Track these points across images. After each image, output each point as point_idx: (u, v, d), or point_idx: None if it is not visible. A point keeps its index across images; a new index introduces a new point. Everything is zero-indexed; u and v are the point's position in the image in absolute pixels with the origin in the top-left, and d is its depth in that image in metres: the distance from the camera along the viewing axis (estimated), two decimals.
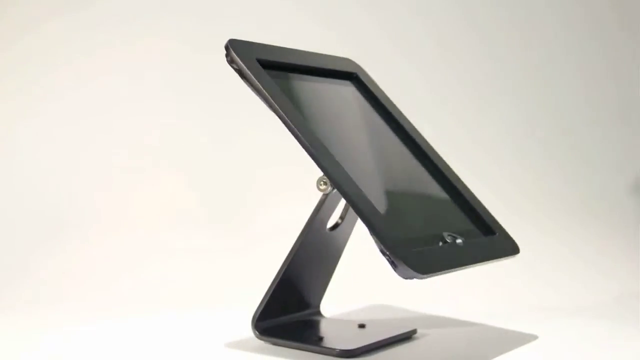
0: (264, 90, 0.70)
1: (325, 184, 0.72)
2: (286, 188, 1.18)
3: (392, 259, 0.64)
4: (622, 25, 1.45)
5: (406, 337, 0.78)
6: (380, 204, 0.70)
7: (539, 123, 1.40)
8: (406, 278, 0.65)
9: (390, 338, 0.75)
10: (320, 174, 0.70)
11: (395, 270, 0.65)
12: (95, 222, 1.13)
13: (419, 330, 0.79)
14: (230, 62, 0.71)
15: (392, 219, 0.71)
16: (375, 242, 0.66)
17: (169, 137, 1.24)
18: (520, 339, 0.78)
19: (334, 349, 0.71)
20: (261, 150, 1.24)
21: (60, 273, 1.02)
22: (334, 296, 0.84)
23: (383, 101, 0.85)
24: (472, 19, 1.41)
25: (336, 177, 0.68)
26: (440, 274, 0.68)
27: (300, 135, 0.69)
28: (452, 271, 0.70)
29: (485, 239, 0.79)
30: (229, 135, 1.25)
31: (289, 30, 1.29)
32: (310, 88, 0.78)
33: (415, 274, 0.64)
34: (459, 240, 0.73)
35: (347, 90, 0.84)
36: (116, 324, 0.85)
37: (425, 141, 0.84)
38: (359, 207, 0.67)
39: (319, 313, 0.83)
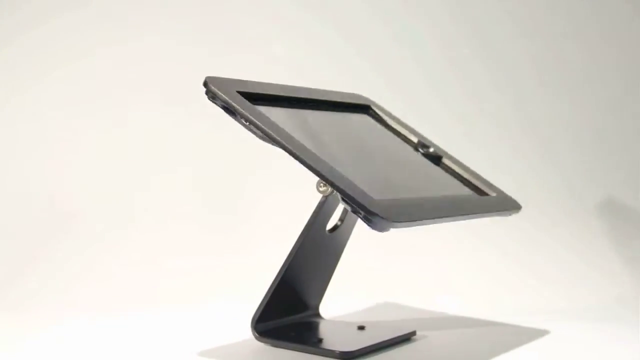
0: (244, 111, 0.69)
1: (324, 185, 0.72)
2: (286, 189, 1.18)
3: (364, 213, 0.64)
4: (628, 23, 1.44)
5: (405, 338, 0.78)
6: (358, 179, 0.69)
7: (540, 122, 1.40)
8: (383, 230, 0.65)
9: (389, 340, 0.76)
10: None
11: (370, 225, 0.64)
12: (93, 221, 1.13)
13: (418, 332, 0.79)
14: (213, 98, 0.71)
15: (370, 186, 0.69)
16: (348, 204, 0.65)
17: (168, 136, 1.24)
18: (521, 340, 0.78)
19: (334, 351, 0.71)
20: (261, 151, 1.24)
21: (59, 272, 1.02)
22: (333, 298, 0.84)
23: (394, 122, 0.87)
24: (474, 18, 1.41)
25: (306, 157, 0.67)
26: (418, 224, 0.67)
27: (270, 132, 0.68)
28: (432, 222, 0.69)
29: (479, 198, 0.80)
30: (229, 135, 1.25)
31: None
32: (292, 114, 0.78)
33: (389, 223, 0.64)
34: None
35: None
36: (114, 323, 0.85)
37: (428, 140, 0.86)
38: (327, 175, 0.66)
39: (318, 315, 0.83)
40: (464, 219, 0.74)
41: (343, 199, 0.65)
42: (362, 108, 0.89)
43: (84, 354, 0.75)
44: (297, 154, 0.67)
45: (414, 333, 0.79)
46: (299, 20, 1.33)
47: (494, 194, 0.82)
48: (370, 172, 0.75)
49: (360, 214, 0.64)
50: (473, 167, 0.88)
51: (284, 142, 0.68)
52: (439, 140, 0.89)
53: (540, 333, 0.81)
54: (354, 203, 0.64)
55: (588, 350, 0.75)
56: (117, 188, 1.18)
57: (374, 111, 0.89)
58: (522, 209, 0.85)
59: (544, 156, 1.38)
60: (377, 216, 0.64)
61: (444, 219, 0.71)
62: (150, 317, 0.88)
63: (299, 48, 1.31)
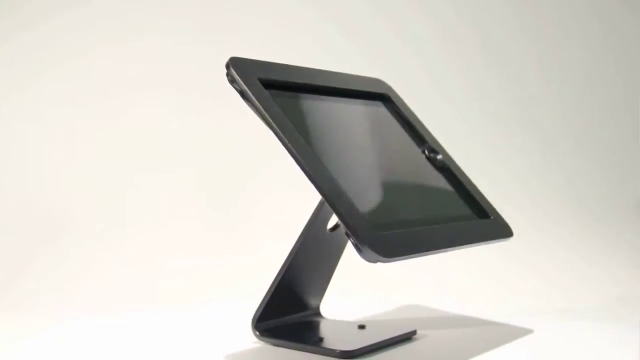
0: (261, 107, 0.67)
1: None
2: (286, 189, 1.18)
3: (355, 241, 0.62)
4: (629, 23, 1.44)
5: (406, 337, 0.78)
6: (356, 193, 0.68)
7: (541, 121, 1.40)
8: (371, 262, 0.63)
9: (390, 339, 0.75)
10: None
11: (360, 254, 0.63)
12: (92, 221, 1.13)
13: (418, 331, 0.79)
14: (232, 81, 0.68)
15: (367, 205, 0.69)
16: (341, 225, 0.64)
17: (168, 135, 1.24)
18: (521, 341, 0.78)
19: (334, 350, 0.71)
20: (261, 150, 1.24)
21: (59, 272, 1.02)
22: (333, 297, 0.84)
23: (410, 118, 0.86)
24: (477, 16, 1.41)
25: (310, 168, 0.65)
26: (410, 257, 0.66)
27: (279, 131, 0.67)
28: (424, 255, 0.67)
29: (475, 223, 0.78)
30: (229, 135, 1.25)
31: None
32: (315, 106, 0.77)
33: (378, 257, 0.62)
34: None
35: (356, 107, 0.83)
36: (114, 323, 0.85)
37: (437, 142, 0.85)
38: (325, 191, 0.64)
39: (318, 314, 0.83)
40: (457, 249, 0.73)
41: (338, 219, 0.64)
42: (380, 97, 0.86)
43: (84, 354, 0.75)
44: (301, 161, 0.66)
45: (414, 332, 0.79)
46: (301, 18, 1.33)
47: (491, 217, 0.80)
48: (371, 185, 0.74)
49: (352, 239, 0.63)
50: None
51: (290, 146, 0.66)
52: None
53: (540, 333, 0.81)
54: (347, 227, 0.63)
55: (588, 350, 0.75)
56: (117, 187, 1.18)
57: (392, 102, 0.86)
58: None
59: (545, 155, 1.38)
60: (367, 247, 0.62)
61: (436, 251, 0.69)
62: (150, 317, 0.88)
63: (300, 46, 1.31)
